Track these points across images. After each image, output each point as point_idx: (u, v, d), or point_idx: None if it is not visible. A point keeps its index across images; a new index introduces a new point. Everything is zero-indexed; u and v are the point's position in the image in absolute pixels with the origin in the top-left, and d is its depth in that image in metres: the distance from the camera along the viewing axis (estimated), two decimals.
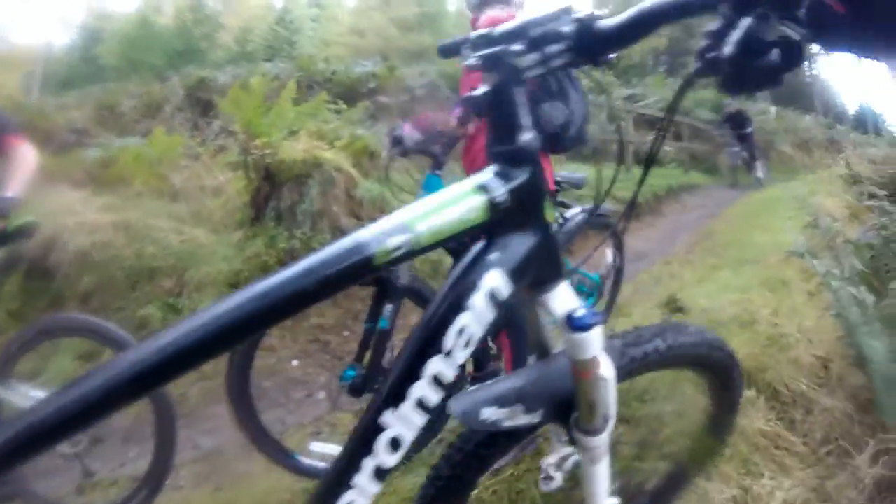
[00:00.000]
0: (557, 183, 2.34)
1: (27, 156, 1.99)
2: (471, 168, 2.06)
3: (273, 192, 3.88)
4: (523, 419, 0.79)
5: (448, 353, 0.64)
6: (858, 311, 1.79)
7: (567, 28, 0.65)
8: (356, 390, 1.82)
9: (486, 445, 0.89)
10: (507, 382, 0.83)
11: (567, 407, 0.81)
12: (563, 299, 0.75)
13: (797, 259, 3.50)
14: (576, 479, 1.03)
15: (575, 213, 2.31)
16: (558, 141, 2.04)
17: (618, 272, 2.66)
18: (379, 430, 0.62)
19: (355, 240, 0.57)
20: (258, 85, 3.72)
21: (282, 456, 1.87)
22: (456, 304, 0.64)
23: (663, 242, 5.80)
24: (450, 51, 1.01)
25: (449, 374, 0.65)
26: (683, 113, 11.49)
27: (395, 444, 0.63)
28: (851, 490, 1.38)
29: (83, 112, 6.35)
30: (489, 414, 0.79)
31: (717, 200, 7.85)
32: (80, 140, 5.14)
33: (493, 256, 0.66)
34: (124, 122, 6.00)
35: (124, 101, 6.83)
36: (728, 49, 0.48)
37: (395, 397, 0.63)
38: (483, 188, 0.66)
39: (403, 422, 0.63)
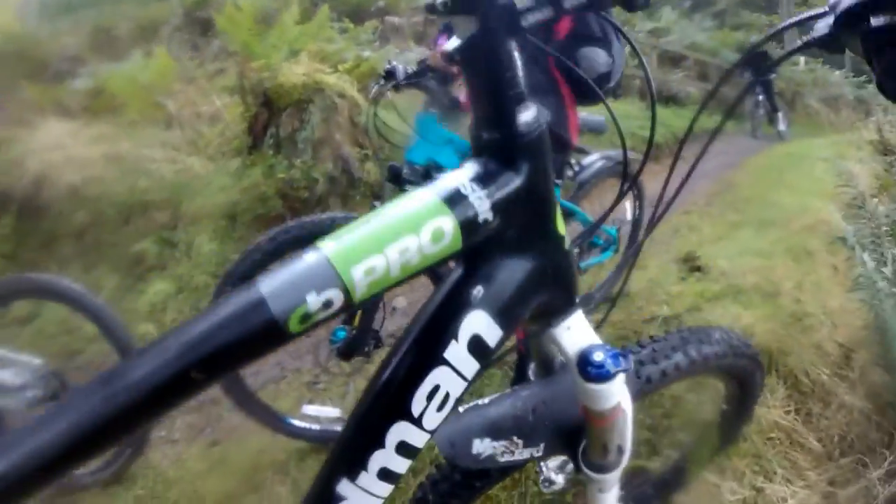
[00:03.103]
0: None
1: None
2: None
3: (272, 119, 3.60)
4: (522, 454, 0.63)
5: (417, 419, 0.47)
6: None
7: None
8: (345, 354, 1.66)
9: (477, 476, 0.73)
10: (503, 407, 0.64)
11: (574, 435, 0.66)
12: (576, 335, 0.57)
13: (822, 227, 3.14)
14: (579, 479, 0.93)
15: (593, 159, 2.09)
16: (592, 92, 1.75)
17: (635, 224, 2.42)
18: None
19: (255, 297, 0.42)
20: (249, 3, 3.37)
21: (272, 419, 1.74)
22: (427, 356, 0.47)
23: (682, 189, 5.30)
24: None
25: (419, 443, 0.49)
26: (710, 54, 10.68)
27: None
28: None
29: (78, 38, 5.98)
30: (482, 448, 0.61)
31: (739, 149, 7.26)
32: (73, 68, 4.87)
33: (476, 292, 0.48)
34: (120, 46, 5.65)
35: (121, 24, 6.44)
36: None
37: (353, 464, 0.48)
38: (451, 201, 0.45)
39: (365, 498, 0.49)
